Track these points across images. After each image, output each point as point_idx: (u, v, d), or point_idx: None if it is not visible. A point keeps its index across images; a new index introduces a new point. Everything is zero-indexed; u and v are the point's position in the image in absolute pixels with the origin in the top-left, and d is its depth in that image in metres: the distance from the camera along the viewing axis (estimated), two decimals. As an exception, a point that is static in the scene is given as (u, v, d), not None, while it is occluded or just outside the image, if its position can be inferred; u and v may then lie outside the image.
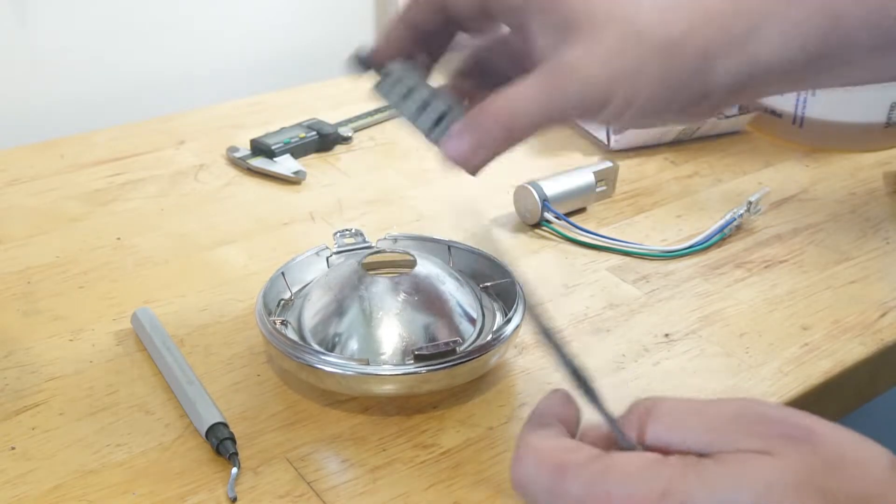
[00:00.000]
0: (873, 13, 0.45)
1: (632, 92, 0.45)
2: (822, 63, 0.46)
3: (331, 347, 0.57)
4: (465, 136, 0.46)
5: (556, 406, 0.40)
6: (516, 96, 0.46)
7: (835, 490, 0.33)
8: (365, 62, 0.52)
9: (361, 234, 0.67)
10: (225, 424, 0.54)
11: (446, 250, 0.66)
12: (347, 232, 0.67)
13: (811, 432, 0.35)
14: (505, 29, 0.51)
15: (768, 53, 0.45)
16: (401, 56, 0.51)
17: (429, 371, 0.54)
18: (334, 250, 0.66)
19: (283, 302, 0.63)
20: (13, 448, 0.54)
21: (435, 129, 0.48)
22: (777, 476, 0.33)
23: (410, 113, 0.49)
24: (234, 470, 0.52)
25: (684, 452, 0.35)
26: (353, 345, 0.57)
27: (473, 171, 0.47)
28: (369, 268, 0.62)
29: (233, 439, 0.54)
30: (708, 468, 0.33)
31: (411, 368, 0.55)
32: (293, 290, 0.63)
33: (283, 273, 0.63)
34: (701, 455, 0.34)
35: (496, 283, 0.63)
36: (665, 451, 0.35)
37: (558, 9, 0.46)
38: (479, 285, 0.64)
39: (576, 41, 0.46)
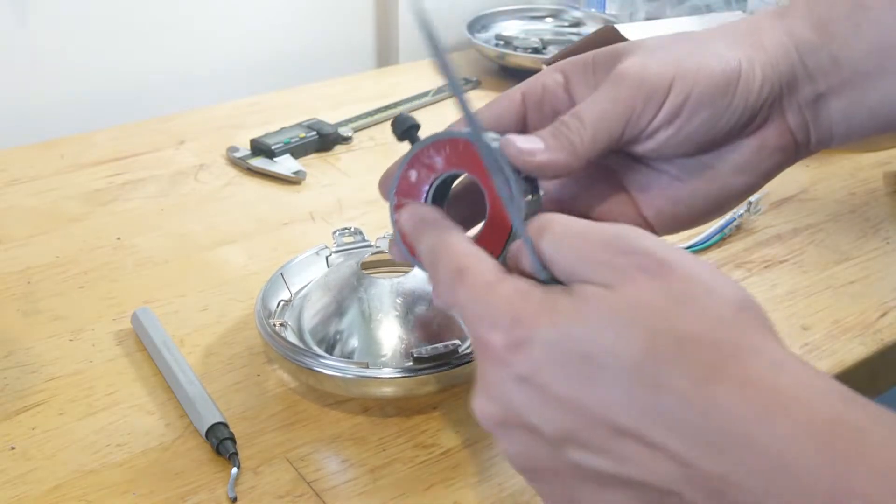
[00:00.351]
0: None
1: (691, 83, 0.46)
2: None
3: (330, 348, 0.57)
4: (537, 137, 0.45)
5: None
6: (583, 108, 0.46)
7: (667, 329, 0.34)
8: (415, 126, 0.48)
9: (361, 233, 0.67)
10: (225, 424, 0.54)
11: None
12: (347, 231, 0.67)
13: (666, 266, 0.36)
14: None
15: (851, 57, 0.48)
16: None
17: (428, 374, 0.54)
18: (334, 249, 0.66)
19: (282, 303, 0.63)
20: (13, 448, 0.54)
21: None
22: (613, 312, 0.35)
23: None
24: (234, 470, 0.52)
25: (556, 275, 0.38)
26: (353, 345, 0.57)
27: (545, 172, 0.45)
28: (368, 267, 0.62)
29: (233, 439, 0.54)
30: (559, 303, 0.36)
31: (411, 371, 0.55)
32: (293, 291, 0.63)
33: (282, 274, 0.63)
34: (568, 282, 0.37)
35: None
36: (547, 267, 0.38)
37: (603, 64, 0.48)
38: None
39: (626, 58, 0.47)
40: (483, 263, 0.39)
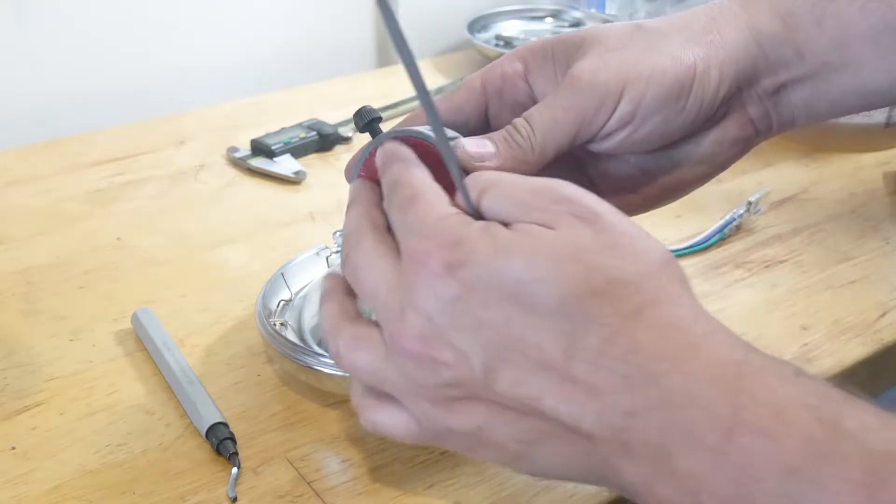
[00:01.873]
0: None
1: (644, 88, 0.46)
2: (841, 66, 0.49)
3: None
4: (490, 140, 0.46)
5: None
6: (533, 113, 0.47)
7: (598, 267, 0.37)
8: (376, 118, 0.50)
9: (361, 234, 0.67)
10: (225, 424, 0.54)
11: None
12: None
13: (597, 215, 0.38)
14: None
15: (812, 51, 0.49)
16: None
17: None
18: (334, 250, 0.66)
19: (282, 303, 0.63)
20: (13, 448, 0.54)
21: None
22: (550, 247, 0.37)
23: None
24: (235, 470, 0.52)
25: (494, 220, 0.39)
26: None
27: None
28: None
29: (233, 439, 0.54)
30: (500, 234, 0.38)
31: None
32: (293, 291, 0.63)
33: (282, 274, 0.63)
34: (505, 224, 0.39)
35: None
36: (484, 218, 0.40)
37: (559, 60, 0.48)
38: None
39: (581, 58, 0.47)
40: (437, 195, 0.41)
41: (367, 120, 0.49)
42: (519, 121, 0.46)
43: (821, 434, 0.33)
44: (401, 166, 0.43)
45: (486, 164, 0.45)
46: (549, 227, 0.38)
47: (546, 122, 0.46)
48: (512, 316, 0.36)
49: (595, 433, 0.36)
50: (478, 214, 0.40)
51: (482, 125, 0.50)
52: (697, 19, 0.49)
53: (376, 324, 0.41)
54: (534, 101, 0.48)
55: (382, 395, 0.41)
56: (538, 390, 0.36)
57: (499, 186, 0.40)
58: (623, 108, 0.46)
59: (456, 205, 0.41)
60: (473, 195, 0.40)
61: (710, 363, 0.35)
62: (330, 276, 0.45)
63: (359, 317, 0.43)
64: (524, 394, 0.37)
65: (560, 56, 0.49)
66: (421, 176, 0.42)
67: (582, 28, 0.49)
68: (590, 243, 0.37)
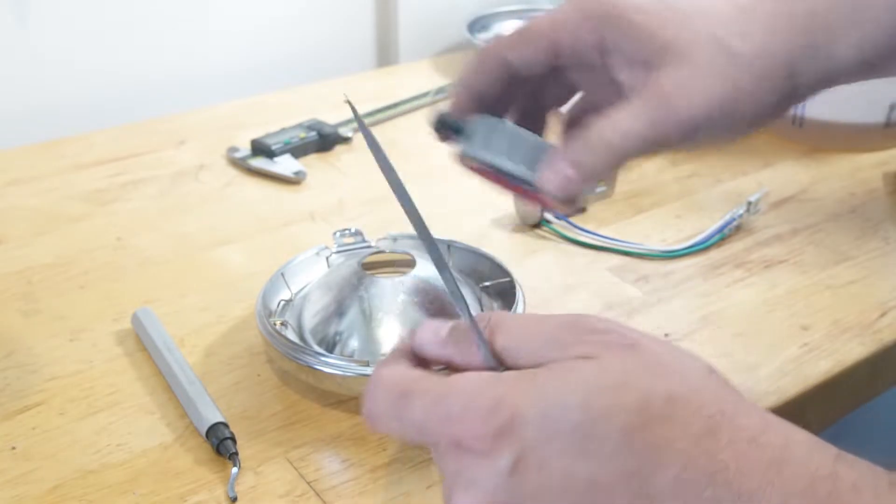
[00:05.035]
0: None
1: (730, 110, 0.45)
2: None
3: (331, 348, 0.57)
4: (567, 162, 0.45)
5: (407, 344, 0.41)
6: (621, 120, 0.45)
7: (655, 390, 0.34)
8: (453, 126, 0.48)
9: (361, 234, 0.67)
10: (225, 424, 0.54)
11: (446, 250, 0.66)
12: (347, 231, 0.67)
13: (635, 341, 0.37)
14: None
15: (845, 56, 0.47)
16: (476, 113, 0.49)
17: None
18: (334, 250, 0.66)
19: (283, 302, 0.63)
20: (13, 448, 0.54)
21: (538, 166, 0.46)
22: (600, 378, 0.34)
23: (514, 159, 0.47)
24: (235, 470, 0.52)
25: (522, 365, 0.37)
26: (354, 345, 0.57)
27: (573, 196, 0.46)
28: (369, 268, 0.62)
29: (233, 439, 0.54)
30: (539, 376, 0.35)
31: None
32: (293, 291, 0.63)
33: (282, 273, 0.63)
34: (537, 366, 0.36)
35: (495, 283, 0.63)
36: (506, 362, 0.38)
37: (643, 40, 0.46)
38: (478, 285, 0.64)
39: (668, 67, 0.46)
40: (428, 377, 0.38)
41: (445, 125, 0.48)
42: (607, 132, 0.45)
43: None
44: (377, 373, 0.39)
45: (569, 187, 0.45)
46: (594, 357, 0.35)
47: (632, 136, 0.45)
48: (582, 461, 0.33)
49: None
50: (497, 362, 0.38)
51: (544, 75, 0.48)
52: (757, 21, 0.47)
53: None
54: (608, 80, 0.48)
55: None
56: None
57: (514, 323, 0.38)
58: (698, 139, 0.46)
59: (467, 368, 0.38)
60: (485, 326, 0.38)
61: (800, 476, 0.33)
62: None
63: None
64: None
65: (641, 47, 0.46)
66: (396, 368, 0.39)
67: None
68: (640, 368, 0.35)
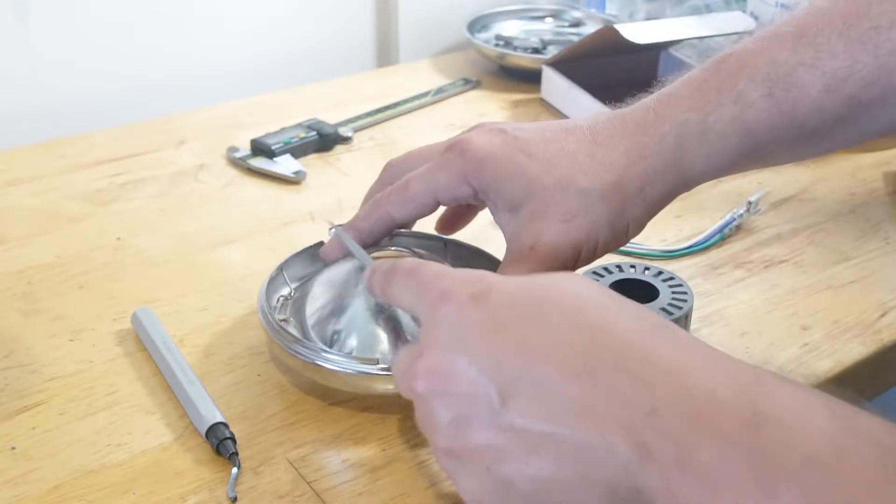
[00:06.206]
0: (783, 119, 0.53)
1: (593, 241, 0.53)
2: (747, 163, 0.56)
3: (330, 346, 0.57)
4: None
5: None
6: (505, 273, 0.52)
7: (609, 296, 0.42)
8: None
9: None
10: (225, 424, 0.54)
11: (443, 247, 0.66)
12: (342, 226, 0.67)
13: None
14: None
15: (696, 171, 0.54)
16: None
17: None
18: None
19: (282, 299, 0.63)
20: (13, 448, 0.54)
21: None
22: (560, 277, 0.43)
23: None
24: (235, 470, 0.52)
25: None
26: (352, 343, 0.57)
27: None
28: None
29: (233, 439, 0.54)
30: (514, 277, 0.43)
31: None
32: (292, 286, 0.63)
33: (282, 269, 0.63)
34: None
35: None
36: None
37: (508, 190, 0.54)
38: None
39: (528, 215, 0.53)
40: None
41: None
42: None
43: (837, 429, 0.35)
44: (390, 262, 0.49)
45: None
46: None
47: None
48: (525, 333, 0.39)
49: (615, 440, 0.37)
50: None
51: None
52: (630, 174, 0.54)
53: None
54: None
55: None
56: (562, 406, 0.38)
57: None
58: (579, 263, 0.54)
59: None
60: None
61: (727, 369, 0.38)
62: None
63: None
64: (543, 412, 0.38)
65: (506, 196, 0.54)
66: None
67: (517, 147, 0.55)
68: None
